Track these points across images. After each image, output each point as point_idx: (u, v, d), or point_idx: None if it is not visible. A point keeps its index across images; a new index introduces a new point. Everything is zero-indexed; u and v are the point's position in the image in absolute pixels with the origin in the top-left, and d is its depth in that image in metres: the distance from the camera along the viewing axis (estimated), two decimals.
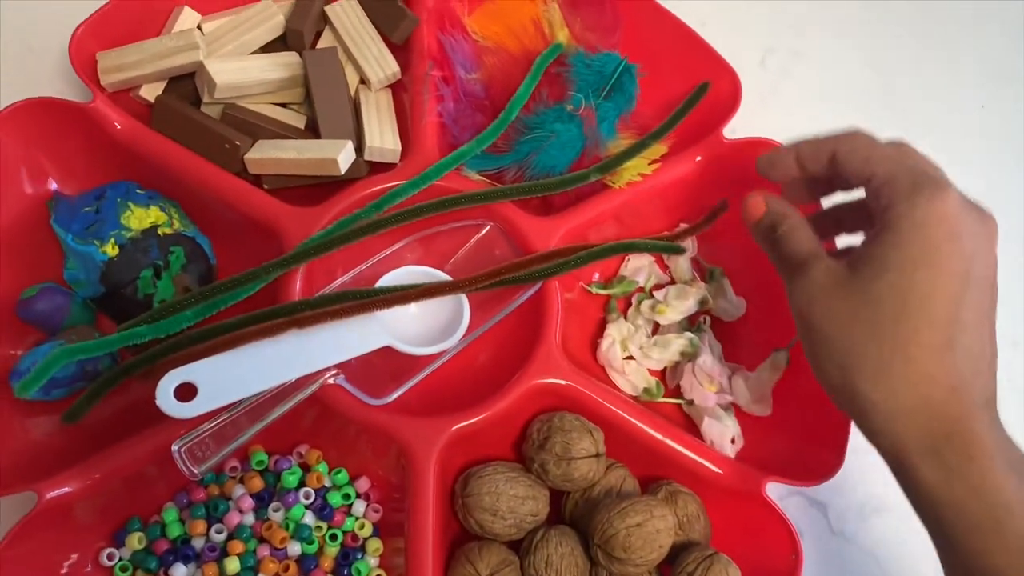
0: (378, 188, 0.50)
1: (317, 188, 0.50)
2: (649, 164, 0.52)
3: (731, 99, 0.54)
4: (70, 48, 0.48)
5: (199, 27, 0.52)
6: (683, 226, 0.54)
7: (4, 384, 0.45)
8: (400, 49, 0.53)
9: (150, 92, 0.50)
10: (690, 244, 0.54)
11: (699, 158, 0.53)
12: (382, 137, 0.51)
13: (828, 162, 0.42)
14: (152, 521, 0.46)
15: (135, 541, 0.45)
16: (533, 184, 0.50)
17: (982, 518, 0.36)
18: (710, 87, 0.53)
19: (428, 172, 0.50)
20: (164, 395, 0.41)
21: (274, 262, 0.46)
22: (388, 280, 0.48)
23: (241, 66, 0.50)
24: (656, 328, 0.54)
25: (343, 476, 0.47)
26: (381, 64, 0.52)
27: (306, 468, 0.48)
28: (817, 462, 0.49)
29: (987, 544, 0.36)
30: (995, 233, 0.39)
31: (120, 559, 0.45)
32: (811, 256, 0.41)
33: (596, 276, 0.54)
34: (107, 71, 0.49)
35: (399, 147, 0.51)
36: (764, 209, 0.44)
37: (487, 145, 0.51)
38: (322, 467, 0.48)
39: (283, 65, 0.51)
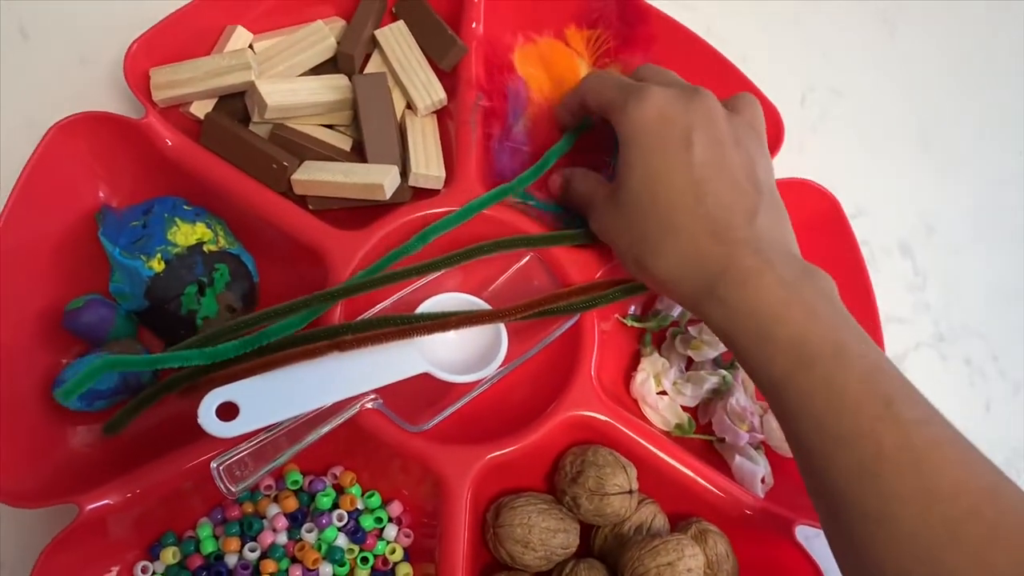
0: (420, 215, 0.50)
1: (361, 210, 0.51)
2: None
3: (773, 139, 0.54)
4: (125, 63, 0.49)
5: (251, 46, 0.52)
6: None
7: (48, 394, 0.46)
8: (447, 76, 0.54)
9: (200, 109, 0.51)
10: None
11: None
12: (427, 164, 0.51)
13: (581, 106, 0.49)
14: (186, 536, 0.46)
15: (169, 555, 0.45)
16: (578, 233, 0.50)
17: (754, 330, 0.39)
18: None
19: (471, 206, 0.50)
20: (206, 414, 0.42)
21: (322, 294, 0.46)
22: (428, 306, 0.48)
23: (292, 88, 0.50)
24: (689, 363, 0.54)
25: (376, 500, 0.48)
26: (428, 90, 0.52)
27: (340, 490, 0.48)
28: None
29: (765, 354, 0.39)
30: (709, 102, 0.43)
31: (154, 572, 0.45)
32: (591, 191, 0.48)
33: (632, 308, 0.54)
34: (160, 87, 0.49)
35: (443, 174, 0.51)
36: (559, 177, 0.51)
37: (527, 186, 0.52)
38: (355, 490, 0.48)
39: (332, 88, 0.51)
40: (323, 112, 0.52)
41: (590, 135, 0.52)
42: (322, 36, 0.52)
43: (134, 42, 0.49)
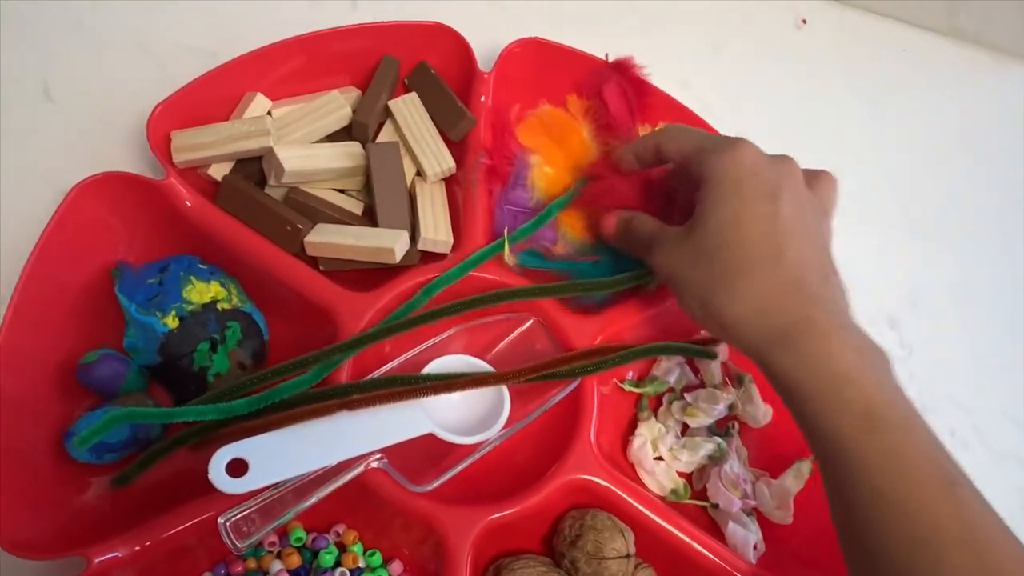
0: (427, 278, 0.52)
1: (370, 272, 0.53)
2: None
3: None
4: (148, 126, 0.50)
5: (269, 113, 0.54)
6: None
7: (60, 446, 0.47)
8: (456, 145, 0.56)
9: (218, 171, 0.53)
10: (722, 350, 0.56)
11: None
12: (436, 229, 0.53)
13: (655, 153, 0.50)
14: None
15: None
16: (586, 283, 0.52)
17: (826, 385, 0.40)
18: None
19: (469, 261, 0.52)
20: (217, 470, 0.43)
21: (332, 348, 0.48)
22: (433, 368, 0.50)
23: (308, 153, 0.52)
24: (684, 429, 0.55)
25: (377, 558, 0.49)
26: (438, 159, 0.55)
27: (342, 548, 0.49)
28: (836, 573, 0.50)
29: (833, 411, 0.39)
30: (796, 169, 0.45)
31: None
32: (657, 230, 0.48)
33: (630, 374, 0.56)
34: (180, 149, 0.51)
35: (451, 239, 0.53)
36: (615, 219, 0.52)
37: (521, 240, 0.54)
38: (358, 548, 0.49)
39: (347, 155, 0.53)
40: (337, 177, 0.54)
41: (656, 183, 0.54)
42: (338, 105, 0.54)
43: (157, 106, 0.51)
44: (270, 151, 0.52)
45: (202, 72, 0.57)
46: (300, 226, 0.51)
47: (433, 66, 0.58)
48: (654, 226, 0.49)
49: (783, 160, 0.45)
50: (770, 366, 0.42)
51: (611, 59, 0.59)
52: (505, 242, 0.53)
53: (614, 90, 0.59)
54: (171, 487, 0.48)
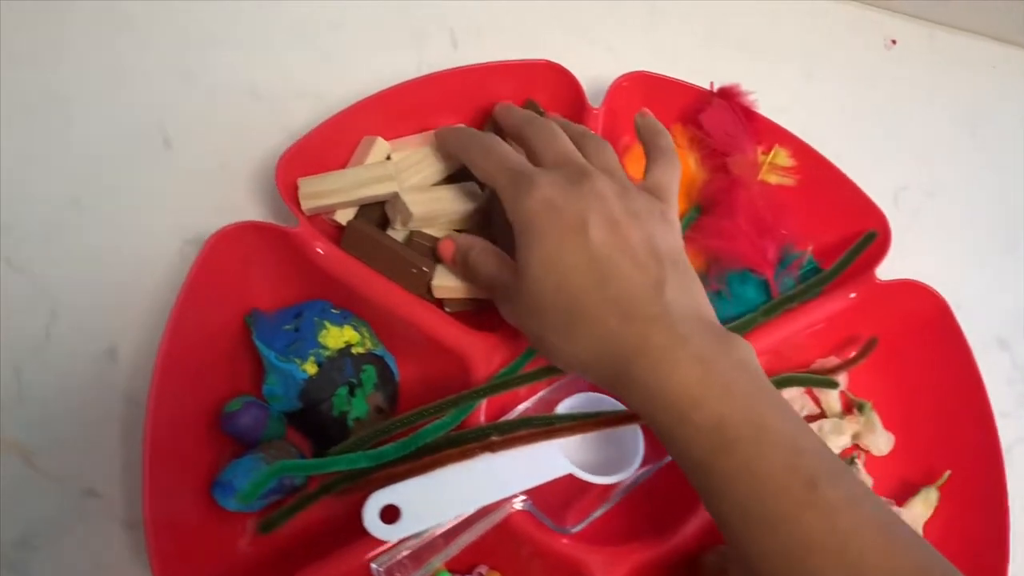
0: None
1: (493, 310, 0.53)
2: None
3: (882, 242, 0.57)
4: (276, 174, 0.51)
5: (388, 157, 0.55)
6: (833, 359, 0.57)
7: (205, 493, 0.47)
8: None
9: (343, 216, 0.53)
10: (842, 378, 0.56)
11: (853, 295, 0.56)
12: None
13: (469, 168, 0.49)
14: None
15: None
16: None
17: (672, 414, 0.39)
18: (876, 236, 0.56)
19: None
20: (371, 516, 0.44)
21: (470, 393, 0.48)
22: (566, 406, 0.50)
23: (433, 196, 0.53)
24: None
25: None
26: None
27: None
28: None
29: (684, 437, 0.38)
30: (599, 183, 0.43)
31: None
32: (495, 274, 0.47)
33: None
34: (308, 197, 0.52)
35: None
36: (453, 246, 0.49)
37: None
38: None
39: (468, 195, 0.54)
40: (460, 219, 0.54)
41: None
42: None
43: (284, 153, 0.52)
44: (396, 196, 0.52)
45: (313, 115, 0.58)
46: (426, 269, 0.51)
47: (542, 103, 0.58)
48: (492, 268, 0.47)
49: (581, 180, 0.43)
50: (625, 400, 0.42)
51: (716, 87, 0.59)
52: None
53: (720, 115, 0.59)
54: (311, 532, 0.49)
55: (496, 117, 0.54)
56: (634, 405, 0.41)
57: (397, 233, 0.54)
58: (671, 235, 0.45)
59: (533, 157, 0.47)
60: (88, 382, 0.51)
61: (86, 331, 0.52)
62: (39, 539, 0.47)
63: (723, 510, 0.38)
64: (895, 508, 0.54)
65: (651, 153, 0.49)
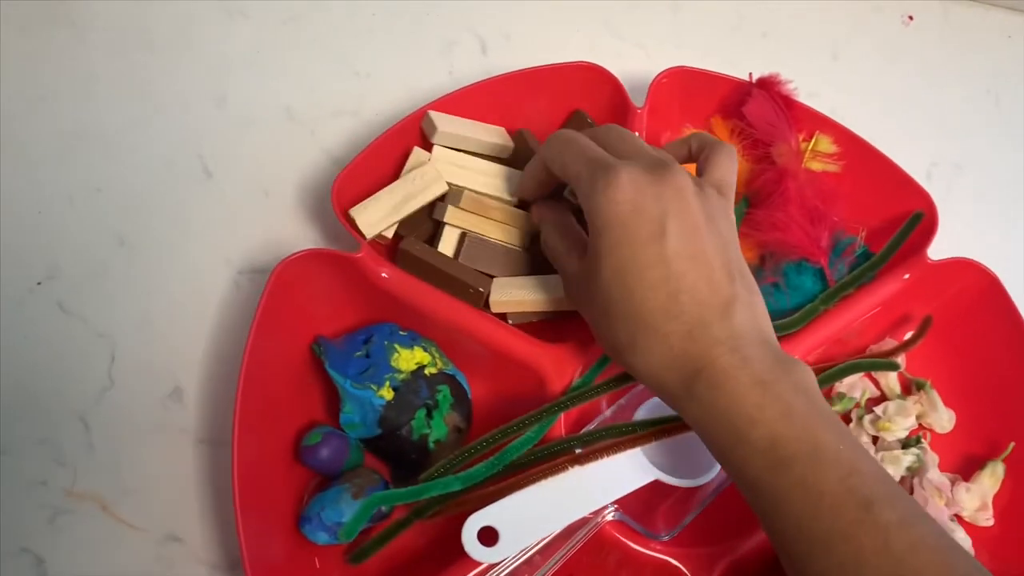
0: None
1: (562, 322, 0.53)
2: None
3: (929, 222, 0.57)
4: (332, 201, 0.50)
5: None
6: (891, 342, 0.57)
7: (293, 528, 0.47)
8: None
9: (390, 231, 0.52)
10: (901, 360, 0.57)
11: (907, 276, 0.56)
12: None
13: (547, 175, 0.48)
14: None
15: None
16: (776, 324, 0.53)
17: (731, 431, 0.39)
18: (923, 217, 0.56)
19: None
20: (470, 539, 0.43)
21: (550, 406, 0.48)
22: (645, 411, 0.50)
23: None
24: (875, 440, 0.56)
25: None
26: None
27: None
28: None
29: (741, 455, 0.39)
30: (680, 180, 0.42)
31: None
32: (563, 255, 0.47)
33: None
34: (367, 225, 0.51)
35: None
36: (536, 215, 0.51)
37: None
38: None
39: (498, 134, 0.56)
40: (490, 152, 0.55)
41: None
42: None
43: (337, 180, 0.50)
44: (427, 117, 0.53)
45: (351, 134, 0.58)
46: (481, 289, 0.51)
47: (583, 107, 0.58)
48: (560, 248, 0.47)
49: (665, 177, 0.42)
50: (684, 415, 0.41)
51: (755, 78, 0.59)
52: None
53: (760, 105, 0.59)
54: (399, 559, 0.49)
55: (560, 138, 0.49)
56: (692, 422, 0.41)
57: (448, 239, 0.53)
58: (737, 240, 0.45)
59: (610, 151, 0.45)
60: (156, 425, 0.50)
61: (148, 373, 0.51)
62: None
63: (778, 528, 0.38)
64: (964, 483, 0.54)
65: (710, 147, 0.47)
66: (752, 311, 0.42)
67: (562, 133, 0.46)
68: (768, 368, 0.39)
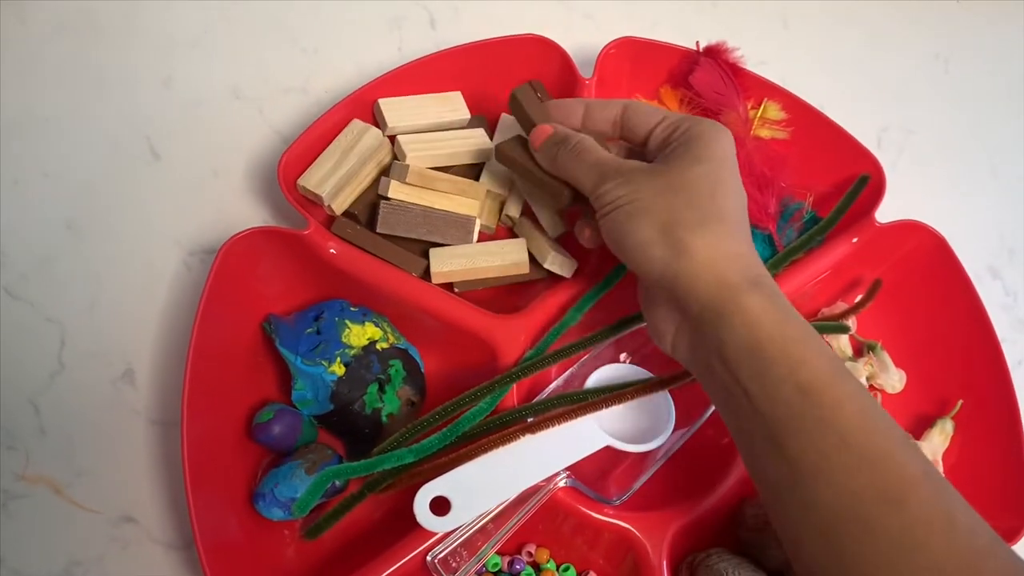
0: (569, 295, 0.53)
1: (512, 293, 0.53)
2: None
3: (877, 185, 0.58)
4: (279, 178, 0.50)
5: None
6: (841, 305, 0.58)
7: (247, 506, 0.47)
8: None
9: (338, 206, 0.53)
10: (852, 323, 0.58)
11: (855, 240, 0.57)
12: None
13: (613, 123, 0.49)
14: None
15: None
16: None
17: (798, 330, 0.41)
18: (869, 179, 0.57)
19: (612, 275, 0.53)
20: (422, 509, 0.43)
21: (503, 377, 0.48)
22: (596, 379, 0.50)
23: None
24: None
25: (572, 573, 0.50)
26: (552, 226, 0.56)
27: (536, 567, 0.50)
28: (997, 526, 0.52)
29: (808, 347, 0.40)
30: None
31: None
32: (612, 159, 0.46)
33: None
34: (317, 184, 0.51)
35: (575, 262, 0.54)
36: (550, 130, 0.49)
37: None
38: (551, 565, 0.50)
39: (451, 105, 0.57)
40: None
41: None
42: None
43: (283, 157, 0.51)
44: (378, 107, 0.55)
45: (299, 110, 0.58)
46: (413, 270, 0.51)
47: (531, 77, 0.58)
48: (607, 156, 0.47)
49: (732, 141, 0.47)
50: (738, 302, 0.41)
51: (702, 47, 0.60)
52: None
53: (707, 73, 0.59)
54: (354, 532, 0.49)
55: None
56: (757, 309, 0.41)
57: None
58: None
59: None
60: (107, 407, 0.50)
61: (99, 355, 0.51)
62: (82, 569, 0.47)
63: (817, 440, 0.38)
64: (915, 442, 0.55)
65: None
66: None
67: (644, 103, 0.50)
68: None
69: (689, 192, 0.43)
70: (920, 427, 0.57)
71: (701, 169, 0.44)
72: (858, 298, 0.58)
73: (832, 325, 0.56)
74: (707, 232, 0.42)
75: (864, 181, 0.57)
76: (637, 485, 0.49)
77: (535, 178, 0.49)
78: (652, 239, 0.43)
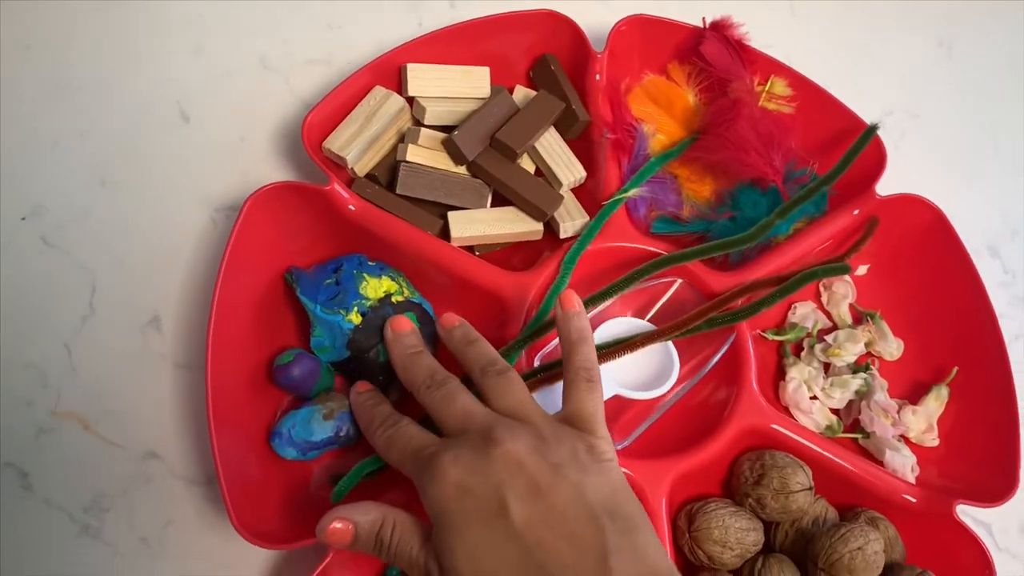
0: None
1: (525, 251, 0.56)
2: None
3: (877, 159, 0.60)
4: (303, 136, 0.53)
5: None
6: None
7: (264, 447, 0.49)
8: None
9: (361, 168, 0.55)
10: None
11: (856, 212, 0.59)
12: (570, 213, 0.56)
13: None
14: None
15: None
16: (723, 242, 0.55)
17: None
18: (876, 130, 0.59)
19: (594, 222, 0.56)
20: None
21: (516, 342, 0.51)
22: (602, 332, 0.53)
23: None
24: (827, 368, 0.59)
25: None
26: (570, 168, 0.58)
27: None
28: (990, 486, 0.53)
29: None
30: (509, 445, 0.39)
31: None
32: (426, 558, 0.39)
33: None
34: (341, 148, 0.54)
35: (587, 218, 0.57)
36: (352, 533, 0.41)
37: (631, 190, 0.57)
38: None
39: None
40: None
41: None
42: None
43: (307, 118, 0.53)
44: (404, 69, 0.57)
45: (323, 81, 0.60)
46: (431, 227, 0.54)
47: (545, 51, 0.60)
48: (417, 557, 0.39)
49: (488, 451, 0.39)
50: None
51: (708, 22, 0.62)
52: (615, 204, 0.57)
53: (716, 46, 0.61)
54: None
55: (398, 372, 0.49)
56: None
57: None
58: (602, 476, 0.40)
59: (438, 424, 0.44)
60: (135, 351, 0.52)
61: (128, 303, 0.53)
62: (108, 501, 0.49)
63: None
64: (912, 407, 0.57)
65: (569, 374, 0.45)
66: (632, 552, 0.37)
67: (385, 420, 0.45)
68: None
69: None
70: (917, 393, 0.58)
71: (458, 561, 0.37)
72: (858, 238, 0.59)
73: (834, 266, 0.55)
74: None
75: (872, 131, 0.58)
76: (641, 430, 0.51)
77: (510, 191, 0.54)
78: None
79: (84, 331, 0.52)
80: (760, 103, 0.61)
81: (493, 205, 0.57)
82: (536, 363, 0.52)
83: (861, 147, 0.58)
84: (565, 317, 0.47)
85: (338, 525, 0.40)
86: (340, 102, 0.56)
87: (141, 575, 0.48)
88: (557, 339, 0.52)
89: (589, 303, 0.53)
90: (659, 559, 0.38)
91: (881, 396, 0.56)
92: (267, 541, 0.44)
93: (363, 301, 0.51)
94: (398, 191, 0.54)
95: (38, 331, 0.52)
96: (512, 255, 0.57)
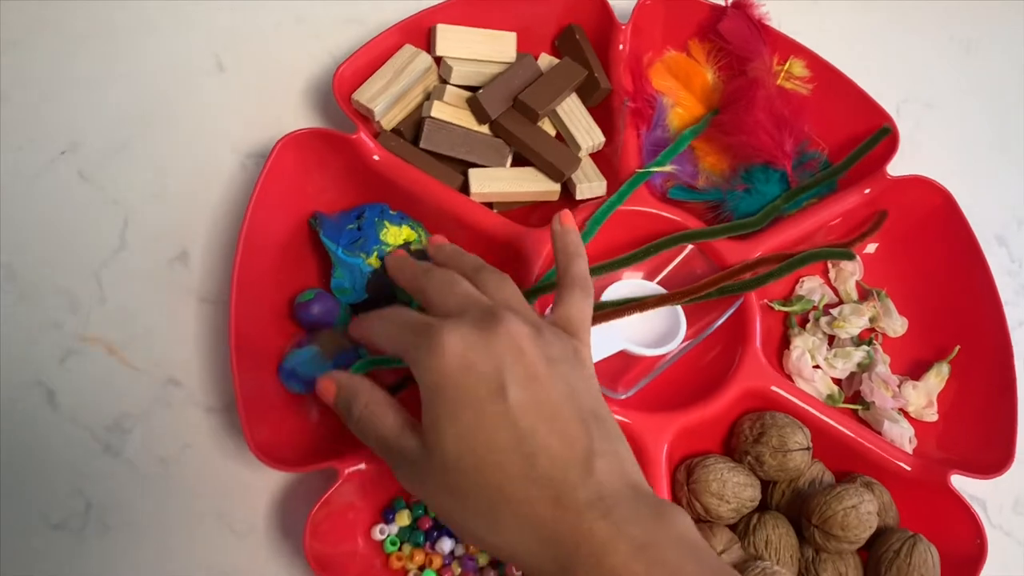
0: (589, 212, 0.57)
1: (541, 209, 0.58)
2: None
3: (890, 141, 0.61)
4: (333, 86, 0.55)
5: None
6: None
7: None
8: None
9: (388, 123, 0.57)
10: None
11: (867, 191, 0.60)
12: (587, 176, 0.58)
13: (375, 350, 0.46)
14: (415, 500, 0.51)
15: (404, 518, 0.50)
16: (730, 225, 0.57)
17: None
18: (890, 131, 0.60)
19: (623, 190, 0.57)
20: None
21: (531, 290, 0.52)
22: (613, 291, 0.54)
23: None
24: (831, 341, 0.60)
25: None
26: (590, 133, 0.59)
27: None
28: (986, 459, 0.55)
29: None
30: (512, 326, 0.38)
31: (389, 534, 0.50)
32: (395, 438, 0.40)
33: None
34: (369, 100, 0.56)
35: (604, 181, 0.58)
36: (334, 388, 0.43)
37: (661, 166, 0.59)
38: None
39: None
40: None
41: None
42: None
43: (339, 69, 0.55)
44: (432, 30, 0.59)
45: (356, 38, 0.63)
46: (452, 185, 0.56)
47: (571, 21, 0.62)
48: (389, 428, 0.40)
49: (493, 327, 0.38)
50: None
51: (730, 0, 0.64)
52: (644, 175, 0.58)
53: (736, 23, 0.63)
54: None
55: (390, 272, 0.50)
56: None
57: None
58: (588, 382, 0.40)
59: (434, 310, 0.42)
60: (162, 283, 0.54)
61: (158, 237, 0.55)
62: (130, 422, 0.51)
63: None
64: (913, 382, 0.58)
65: (563, 280, 0.44)
66: (616, 459, 0.37)
67: (387, 311, 0.44)
68: (646, 527, 0.35)
69: (455, 483, 0.37)
70: (918, 370, 0.60)
71: (445, 443, 0.37)
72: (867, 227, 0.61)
73: (838, 251, 0.57)
74: (499, 531, 0.36)
75: (885, 132, 0.60)
76: (641, 384, 0.52)
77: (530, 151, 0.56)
78: (478, 547, 0.41)
79: (115, 262, 0.54)
80: (778, 82, 0.62)
81: (513, 166, 0.58)
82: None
83: (873, 144, 0.60)
84: (564, 231, 0.47)
85: (327, 382, 0.42)
86: (371, 57, 0.57)
87: (160, 491, 0.49)
88: None
89: (602, 270, 0.54)
90: (633, 468, 0.38)
91: (882, 368, 0.57)
92: (280, 463, 0.46)
93: (383, 247, 0.53)
94: (422, 145, 0.56)
95: (71, 259, 0.54)
96: (529, 214, 0.59)
